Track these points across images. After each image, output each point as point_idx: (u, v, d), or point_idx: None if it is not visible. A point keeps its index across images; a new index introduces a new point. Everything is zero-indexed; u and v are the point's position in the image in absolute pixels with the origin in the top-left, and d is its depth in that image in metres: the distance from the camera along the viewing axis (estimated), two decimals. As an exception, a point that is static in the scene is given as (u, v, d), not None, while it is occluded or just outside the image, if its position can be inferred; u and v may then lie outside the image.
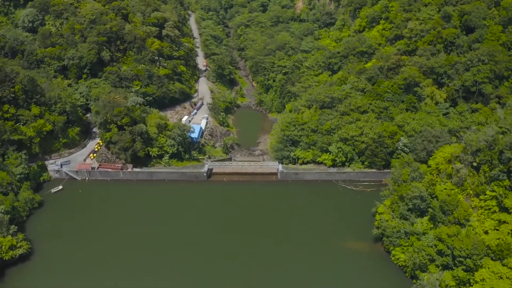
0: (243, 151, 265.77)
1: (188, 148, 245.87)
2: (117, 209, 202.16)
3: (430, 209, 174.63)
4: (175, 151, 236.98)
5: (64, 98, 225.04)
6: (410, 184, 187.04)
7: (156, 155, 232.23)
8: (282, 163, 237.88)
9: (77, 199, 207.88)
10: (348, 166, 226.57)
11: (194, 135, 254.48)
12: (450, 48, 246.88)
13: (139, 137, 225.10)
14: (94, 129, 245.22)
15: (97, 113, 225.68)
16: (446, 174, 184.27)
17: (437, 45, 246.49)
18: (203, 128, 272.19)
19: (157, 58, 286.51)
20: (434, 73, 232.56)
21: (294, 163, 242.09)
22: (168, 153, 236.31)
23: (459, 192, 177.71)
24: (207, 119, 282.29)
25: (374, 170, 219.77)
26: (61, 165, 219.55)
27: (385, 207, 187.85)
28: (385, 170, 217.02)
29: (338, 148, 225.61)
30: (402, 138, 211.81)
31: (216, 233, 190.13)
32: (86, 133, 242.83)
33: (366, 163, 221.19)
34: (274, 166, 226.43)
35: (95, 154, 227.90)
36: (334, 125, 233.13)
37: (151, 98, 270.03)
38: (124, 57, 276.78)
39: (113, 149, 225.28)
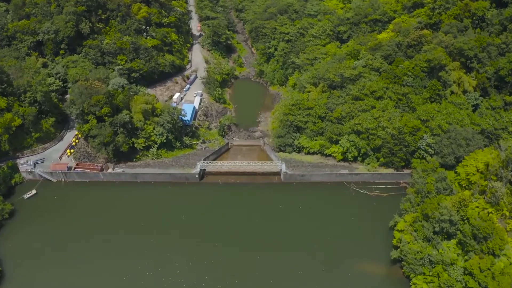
0: (241, 132, 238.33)
1: (179, 135, 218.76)
2: (97, 218, 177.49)
3: (459, 233, 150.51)
4: (164, 141, 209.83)
5: (34, 86, 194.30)
6: (436, 197, 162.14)
7: (142, 147, 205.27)
8: (284, 151, 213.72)
9: (52, 206, 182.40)
10: (361, 162, 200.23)
11: (187, 117, 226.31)
12: (479, 24, 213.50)
13: (121, 129, 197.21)
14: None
15: (73, 102, 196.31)
16: (478, 189, 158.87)
17: (464, 20, 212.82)
18: (197, 107, 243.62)
19: (144, 27, 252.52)
20: (463, 56, 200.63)
21: (299, 152, 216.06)
22: (156, 144, 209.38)
23: (493, 212, 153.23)
24: (201, 95, 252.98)
25: (391, 170, 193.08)
26: (34, 164, 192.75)
27: (406, 224, 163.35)
28: (404, 171, 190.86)
29: (350, 141, 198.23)
30: (425, 136, 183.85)
31: (208, 246, 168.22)
32: (63, 123, 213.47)
33: (381, 159, 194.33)
34: (276, 165, 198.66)
35: (72, 150, 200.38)
36: (345, 113, 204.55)
37: (137, 74, 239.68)
38: (107, 27, 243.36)
39: (93, 143, 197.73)
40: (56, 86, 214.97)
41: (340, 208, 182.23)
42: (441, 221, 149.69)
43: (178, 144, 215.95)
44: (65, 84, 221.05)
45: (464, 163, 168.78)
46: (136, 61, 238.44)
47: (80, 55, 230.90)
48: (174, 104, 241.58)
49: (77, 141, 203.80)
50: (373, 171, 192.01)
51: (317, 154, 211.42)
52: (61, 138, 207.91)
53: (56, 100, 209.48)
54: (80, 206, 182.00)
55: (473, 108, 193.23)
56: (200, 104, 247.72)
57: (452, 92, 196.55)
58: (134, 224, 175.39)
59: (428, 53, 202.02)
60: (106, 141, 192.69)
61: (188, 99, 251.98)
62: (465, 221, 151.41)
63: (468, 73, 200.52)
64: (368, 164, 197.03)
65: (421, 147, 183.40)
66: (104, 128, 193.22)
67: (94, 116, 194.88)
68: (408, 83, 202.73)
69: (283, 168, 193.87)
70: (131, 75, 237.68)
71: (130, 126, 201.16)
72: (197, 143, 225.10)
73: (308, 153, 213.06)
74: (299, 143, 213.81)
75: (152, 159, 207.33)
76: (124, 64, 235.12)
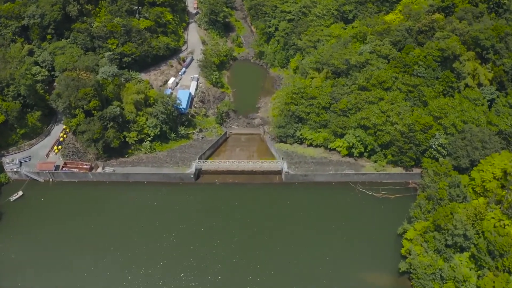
0: (240, 119, 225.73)
1: (174, 125, 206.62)
2: (86, 221, 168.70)
3: (473, 248, 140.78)
4: (158, 133, 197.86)
5: (17, 79, 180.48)
6: (448, 204, 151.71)
7: (134, 141, 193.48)
8: (286, 142, 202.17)
9: (40, 209, 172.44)
10: (368, 158, 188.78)
11: (182, 105, 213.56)
12: (494, 9, 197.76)
13: (111, 123, 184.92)
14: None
15: (58, 96, 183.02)
16: (494, 198, 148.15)
17: (479, 5, 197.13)
18: (193, 93, 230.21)
19: (136, 7, 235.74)
20: (478, 46, 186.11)
21: (301, 143, 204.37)
22: (149, 136, 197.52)
23: (509, 224, 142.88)
24: (197, 80, 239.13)
25: (399, 169, 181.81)
26: (20, 163, 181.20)
27: (416, 232, 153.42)
28: (414, 171, 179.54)
29: (356, 137, 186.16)
30: (437, 134, 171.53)
31: (204, 252, 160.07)
32: (50, 116, 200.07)
33: (389, 157, 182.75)
34: (277, 164, 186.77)
35: (60, 147, 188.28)
36: (351, 104, 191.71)
37: (129, 59, 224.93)
38: (96, 9, 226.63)
39: (81, 139, 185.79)
40: (42, 76, 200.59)
41: (344, 212, 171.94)
42: (455, 235, 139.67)
43: (173, 135, 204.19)
44: (52, 73, 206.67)
45: (479, 167, 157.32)
46: (128, 45, 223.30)
47: (68, 39, 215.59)
48: (169, 90, 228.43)
49: (65, 136, 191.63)
50: (381, 170, 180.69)
51: (320, 147, 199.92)
52: (48, 132, 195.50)
53: (42, 91, 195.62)
54: (69, 209, 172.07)
55: (489, 103, 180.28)
56: (196, 89, 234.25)
57: (466, 85, 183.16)
58: (125, 228, 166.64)
59: (442, 41, 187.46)
60: (95, 137, 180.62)
61: (184, 83, 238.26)
62: (480, 235, 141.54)
63: (484, 64, 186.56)
64: (375, 161, 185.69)
65: (433, 146, 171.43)
66: (93, 123, 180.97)
67: (82, 110, 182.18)
68: (419, 74, 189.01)
69: (285, 167, 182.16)
70: (122, 60, 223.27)
71: (121, 120, 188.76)
72: (193, 133, 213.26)
73: (311, 145, 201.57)
74: (301, 134, 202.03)
75: (145, 153, 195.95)
76: (115, 48, 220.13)
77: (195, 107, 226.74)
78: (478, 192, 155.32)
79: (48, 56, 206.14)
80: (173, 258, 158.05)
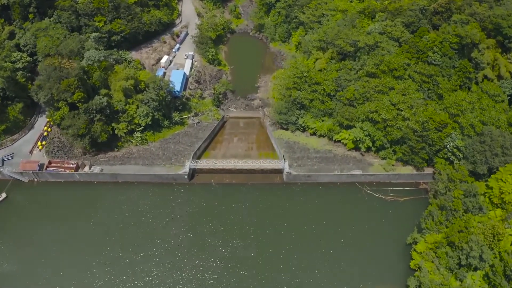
0: (238, 100, 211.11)
1: (168, 111, 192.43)
2: (73, 228, 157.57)
3: (488, 269, 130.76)
4: (150, 122, 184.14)
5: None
6: (463, 216, 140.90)
7: (124, 133, 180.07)
8: (287, 129, 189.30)
9: (25, 213, 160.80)
10: (375, 153, 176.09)
11: (176, 88, 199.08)
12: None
13: (98, 115, 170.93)
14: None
15: (40, 87, 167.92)
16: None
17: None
18: (188, 73, 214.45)
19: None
20: (499, 33, 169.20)
21: (304, 131, 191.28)
22: (140, 126, 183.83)
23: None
24: (192, 58, 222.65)
25: (410, 169, 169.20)
26: (3, 161, 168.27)
27: (426, 245, 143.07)
28: (425, 172, 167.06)
29: (363, 131, 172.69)
30: (453, 134, 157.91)
31: (199, 261, 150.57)
32: (33, 107, 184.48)
33: (399, 154, 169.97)
34: (278, 164, 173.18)
35: (44, 142, 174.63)
36: (358, 94, 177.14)
37: (119, 37, 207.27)
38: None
39: (66, 135, 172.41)
40: (23, 62, 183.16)
41: (349, 216, 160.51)
42: (470, 256, 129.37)
43: (166, 122, 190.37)
44: (35, 57, 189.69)
45: (498, 175, 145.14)
46: (117, 22, 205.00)
47: (52, 18, 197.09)
48: (162, 70, 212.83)
49: (49, 129, 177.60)
50: (390, 169, 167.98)
51: (324, 136, 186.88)
52: (31, 125, 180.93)
53: (23, 80, 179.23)
54: (55, 213, 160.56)
55: (508, 98, 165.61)
56: (191, 69, 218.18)
57: (485, 77, 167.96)
58: (114, 234, 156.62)
59: (459, 26, 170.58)
60: (81, 133, 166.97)
61: (178, 62, 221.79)
62: (497, 254, 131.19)
63: (505, 54, 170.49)
64: (384, 158, 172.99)
65: (448, 147, 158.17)
66: (78, 117, 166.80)
67: (65, 102, 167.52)
68: (434, 61, 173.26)
69: (286, 167, 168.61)
70: (111, 39, 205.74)
71: (108, 111, 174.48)
72: (188, 117, 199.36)
73: (314, 134, 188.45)
74: (303, 122, 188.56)
75: (136, 145, 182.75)
76: (102, 26, 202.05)
77: (190, 89, 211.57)
78: (495, 203, 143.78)
79: (30, 39, 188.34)
80: (166, 268, 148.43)
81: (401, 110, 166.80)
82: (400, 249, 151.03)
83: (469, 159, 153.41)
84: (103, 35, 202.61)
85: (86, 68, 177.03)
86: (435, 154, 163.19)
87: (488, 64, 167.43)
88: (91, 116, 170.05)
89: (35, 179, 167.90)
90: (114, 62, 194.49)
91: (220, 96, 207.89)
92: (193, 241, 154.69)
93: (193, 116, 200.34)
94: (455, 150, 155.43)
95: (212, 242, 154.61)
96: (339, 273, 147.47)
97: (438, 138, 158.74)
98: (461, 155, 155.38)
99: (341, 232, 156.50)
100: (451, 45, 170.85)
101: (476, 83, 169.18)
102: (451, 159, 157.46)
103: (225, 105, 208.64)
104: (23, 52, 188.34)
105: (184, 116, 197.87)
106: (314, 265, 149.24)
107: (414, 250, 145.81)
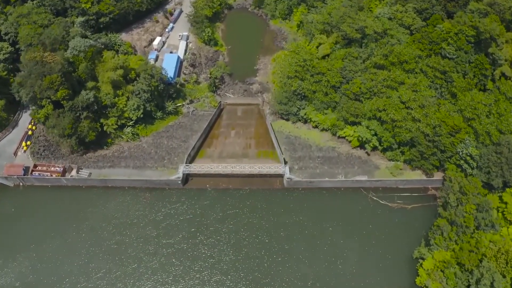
0: (236, 85, 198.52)
1: (160, 100, 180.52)
2: (62, 237, 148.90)
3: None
4: (141, 115, 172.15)
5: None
6: (474, 233, 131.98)
7: (114, 129, 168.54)
8: (288, 120, 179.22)
9: (10, 221, 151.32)
10: (382, 153, 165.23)
11: (169, 74, 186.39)
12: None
13: (85, 112, 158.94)
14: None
15: (21, 85, 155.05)
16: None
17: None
18: (182, 56, 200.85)
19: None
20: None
21: (305, 122, 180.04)
22: (131, 120, 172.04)
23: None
24: (187, 39, 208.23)
25: (418, 173, 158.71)
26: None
27: (434, 262, 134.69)
28: (435, 177, 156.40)
29: (370, 130, 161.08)
30: (467, 139, 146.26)
31: (193, 273, 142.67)
32: (17, 103, 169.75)
33: (407, 154, 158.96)
34: (278, 168, 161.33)
35: (29, 142, 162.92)
36: (365, 88, 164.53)
37: (107, 18, 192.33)
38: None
39: (52, 135, 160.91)
40: (4, 53, 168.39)
41: (353, 225, 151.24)
42: (480, 284, 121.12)
43: (159, 114, 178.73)
44: (17, 47, 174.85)
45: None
46: (105, 2, 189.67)
47: (35, 1, 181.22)
48: (155, 53, 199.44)
49: (34, 128, 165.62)
50: (397, 174, 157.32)
51: (327, 131, 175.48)
52: (15, 123, 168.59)
53: (5, 73, 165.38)
54: (42, 220, 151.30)
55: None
56: (185, 52, 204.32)
57: (502, 75, 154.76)
58: (105, 243, 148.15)
59: (476, 16, 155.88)
60: (67, 133, 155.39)
61: (172, 43, 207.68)
62: (508, 280, 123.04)
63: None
64: (391, 159, 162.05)
65: (460, 153, 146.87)
66: (62, 116, 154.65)
67: (49, 100, 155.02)
68: (448, 55, 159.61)
69: (287, 172, 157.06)
70: (99, 21, 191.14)
71: (96, 107, 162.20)
72: (183, 105, 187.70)
73: (316, 127, 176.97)
74: (305, 114, 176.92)
75: (127, 141, 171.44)
76: (89, 8, 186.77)
77: (184, 74, 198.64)
78: (508, 219, 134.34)
79: (11, 27, 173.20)
80: (158, 283, 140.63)
81: (411, 109, 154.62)
82: (406, 262, 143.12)
83: (483, 169, 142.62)
84: (90, 17, 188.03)
85: (71, 60, 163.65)
86: (447, 160, 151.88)
87: (506, 60, 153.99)
88: (77, 114, 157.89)
89: (21, 183, 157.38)
90: (102, 47, 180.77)
91: (217, 80, 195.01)
92: (188, 252, 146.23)
93: (188, 104, 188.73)
94: (468, 158, 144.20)
95: (208, 253, 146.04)
96: (342, 285, 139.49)
97: (451, 144, 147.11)
98: (474, 164, 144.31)
99: (344, 243, 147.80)
100: (467, 38, 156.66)
101: (493, 81, 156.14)
102: (463, 167, 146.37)
103: (222, 90, 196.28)
104: (5, 41, 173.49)
105: (178, 104, 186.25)
106: (317, 277, 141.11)
107: (421, 265, 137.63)
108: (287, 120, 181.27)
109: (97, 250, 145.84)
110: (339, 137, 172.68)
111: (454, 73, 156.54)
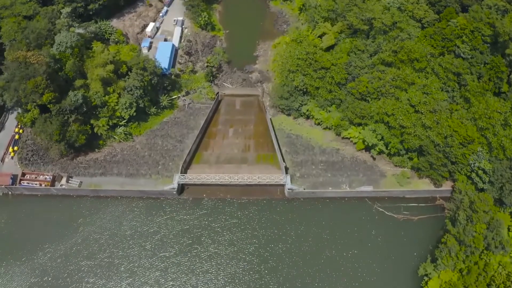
0: (234, 73, 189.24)
1: (155, 94, 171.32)
2: (53, 249, 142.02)
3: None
4: (134, 113, 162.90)
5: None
6: (483, 254, 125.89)
7: (106, 130, 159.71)
8: (289, 115, 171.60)
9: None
10: (388, 157, 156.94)
11: (164, 65, 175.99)
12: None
13: (74, 115, 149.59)
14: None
15: (4, 89, 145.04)
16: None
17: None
18: (177, 44, 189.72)
19: None
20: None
21: (307, 118, 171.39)
22: (124, 119, 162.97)
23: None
24: (182, 24, 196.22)
25: (426, 183, 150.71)
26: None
27: (440, 282, 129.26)
28: (443, 188, 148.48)
29: (376, 134, 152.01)
30: (480, 151, 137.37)
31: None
32: (2, 104, 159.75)
33: (415, 161, 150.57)
34: (278, 178, 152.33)
35: (16, 148, 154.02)
36: (373, 88, 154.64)
37: (97, 5, 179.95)
38: None
39: (39, 140, 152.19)
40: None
41: (357, 238, 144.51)
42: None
43: (153, 109, 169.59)
44: (2, 43, 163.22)
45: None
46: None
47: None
48: (148, 40, 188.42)
49: (21, 131, 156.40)
50: (404, 183, 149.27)
51: (329, 129, 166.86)
52: (1, 126, 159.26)
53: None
54: (32, 231, 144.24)
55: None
56: (181, 38, 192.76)
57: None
58: (98, 255, 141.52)
59: (494, 16, 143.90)
60: (55, 139, 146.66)
61: (166, 29, 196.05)
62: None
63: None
64: (398, 165, 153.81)
65: (472, 166, 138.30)
66: (50, 121, 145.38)
67: (35, 104, 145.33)
68: (462, 54, 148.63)
69: (288, 182, 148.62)
70: (88, 8, 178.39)
71: (85, 108, 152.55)
72: (178, 97, 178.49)
73: (318, 124, 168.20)
74: (307, 110, 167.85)
75: (120, 141, 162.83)
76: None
77: (179, 63, 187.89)
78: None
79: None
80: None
81: (422, 113, 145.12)
82: (410, 278, 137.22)
83: (495, 185, 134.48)
84: (79, 5, 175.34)
85: (57, 57, 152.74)
86: (458, 171, 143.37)
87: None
88: (65, 118, 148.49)
89: (10, 192, 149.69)
90: (92, 35, 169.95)
91: (214, 69, 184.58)
92: (184, 266, 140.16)
93: (183, 96, 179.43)
94: (480, 172, 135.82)
95: (204, 267, 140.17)
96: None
97: (462, 155, 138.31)
98: (486, 179, 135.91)
99: (347, 256, 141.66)
100: (483, 37, 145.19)
101: (508, 83, 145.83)
102: (475, 180, 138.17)
103: (220, 79, 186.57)
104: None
105: (173, 97, 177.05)
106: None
107: (426, 283, 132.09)
108: (288, 115, 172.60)
109: (90, 263, 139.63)
110: (342, 137, 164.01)
111: (468, 75, 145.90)
